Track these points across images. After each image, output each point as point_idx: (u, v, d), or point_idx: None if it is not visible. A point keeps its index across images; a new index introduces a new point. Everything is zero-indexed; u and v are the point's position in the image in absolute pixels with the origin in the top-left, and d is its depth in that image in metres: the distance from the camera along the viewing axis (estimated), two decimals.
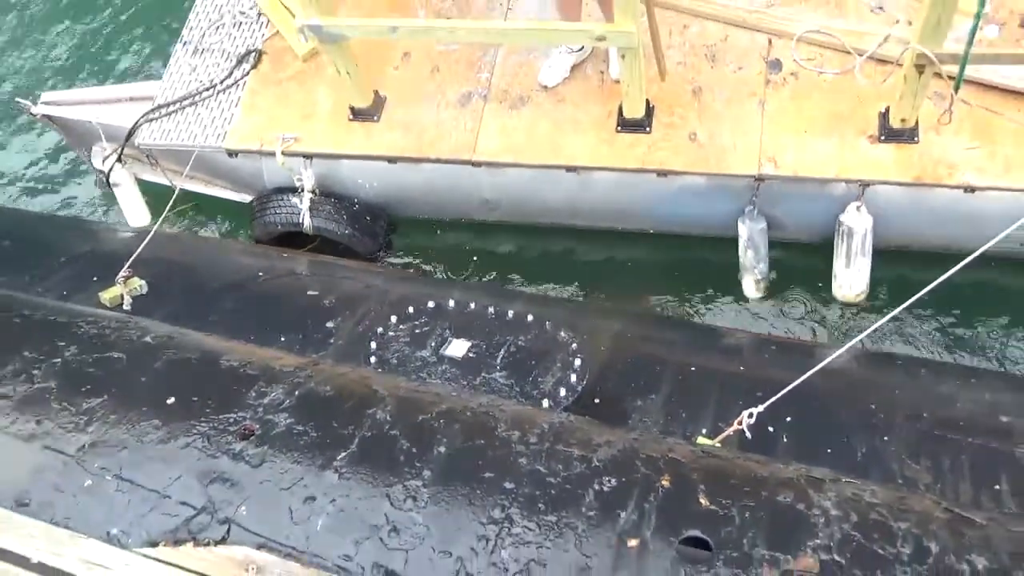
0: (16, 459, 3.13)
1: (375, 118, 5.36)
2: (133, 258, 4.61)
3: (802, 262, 5.17)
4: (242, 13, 5.97)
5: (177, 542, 2.90)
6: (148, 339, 3.61)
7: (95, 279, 4.66)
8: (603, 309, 5.28)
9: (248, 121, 5.51)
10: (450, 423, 3.09)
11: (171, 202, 5.35)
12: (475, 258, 5.73)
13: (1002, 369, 4.81)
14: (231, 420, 3.14)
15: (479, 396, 3.48)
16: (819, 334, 5.08)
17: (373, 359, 4.13)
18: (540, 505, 2.77)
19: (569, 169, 5.06)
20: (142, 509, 2.96)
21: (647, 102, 4.96)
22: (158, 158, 5.73)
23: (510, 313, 4.28)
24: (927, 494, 3.21)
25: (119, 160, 5.71)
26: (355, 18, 5.46)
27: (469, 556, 2.69)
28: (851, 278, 4.85)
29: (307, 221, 5.37)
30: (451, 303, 4.38)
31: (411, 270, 5.71)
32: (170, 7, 7.26)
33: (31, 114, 5.89)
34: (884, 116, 4.76)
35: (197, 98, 5.65)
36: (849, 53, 4.87)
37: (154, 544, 2.90)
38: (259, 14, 5.93)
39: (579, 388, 3.92)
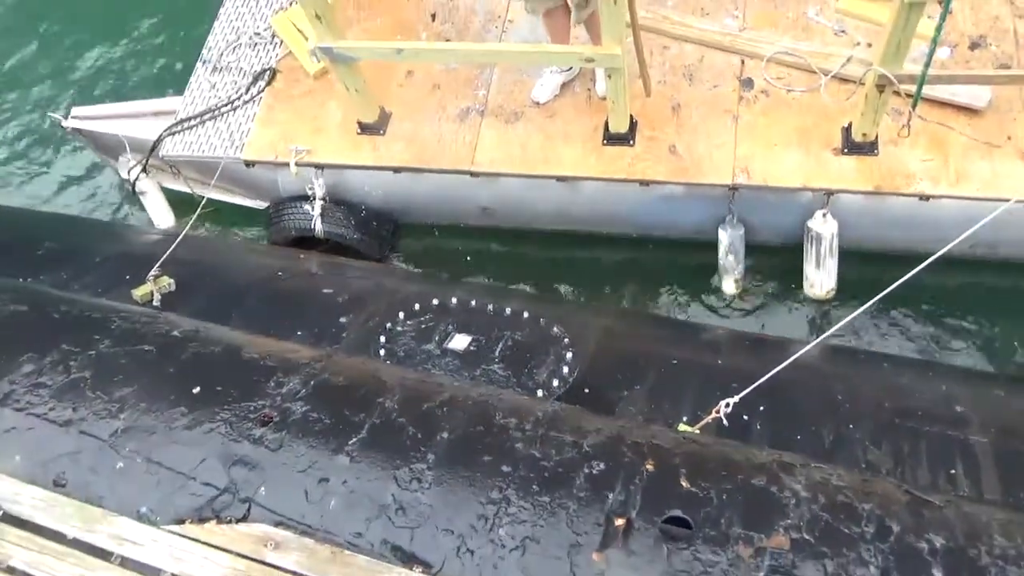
0: (54, 443, 3.10)
1: (381, 132, 5.36)
2: (163, 259, 4.58)
3: (775, 264, 5.17)
4: (257, 34, 5.97)
5: (202, 520, 2.88)
6: (176, 333, 3.58)
7: (127, 277, 4.63)
8: (592, 307, 5.28)
9: (264, 134, 5.50)
10: (452, 411, 3.08)
11: (198, 209, 5.34)
12: (473, 260, 5.73)
13: (956, 363, 4.81)
14: (251, 408, 3.12)
15: (479, 386, 3.48)
16: (791, 330, 5.07)
17: (382, 352, 4.12)
18: (535, 487, 2.76)
19: (559, 179, 5.07)
20: (169, 489, 2.95)
21: (631, 117, 4.98)
22: (180, 168, 5.71)
23: (507, 310, 4.27)
24: (889, 478, 3.20)
25: (144, 170, 5.70)
26: (363, 41, 5.47)
27: (469, 533, 2.68)
28: (820, 278, 4.87)
29: (319, 226, 5.36)
30: (453, 301, 4.36)
31: (416, 271, 5.69)
32: (189, 27, 7.23)
33: (63, 127, 5.88)
34: (847, 131, 4.79)
35: (216, 113, 5.64)
36: (815, 73, 4.93)
37: (181, 522, 2.89)
38: (273, 35, 5.93)
39: (570, 379, 3.91)
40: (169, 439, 3.05)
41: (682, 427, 3.41)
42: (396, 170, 5.28)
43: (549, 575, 2.57)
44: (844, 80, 4.82)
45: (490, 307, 4.30)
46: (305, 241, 5.52)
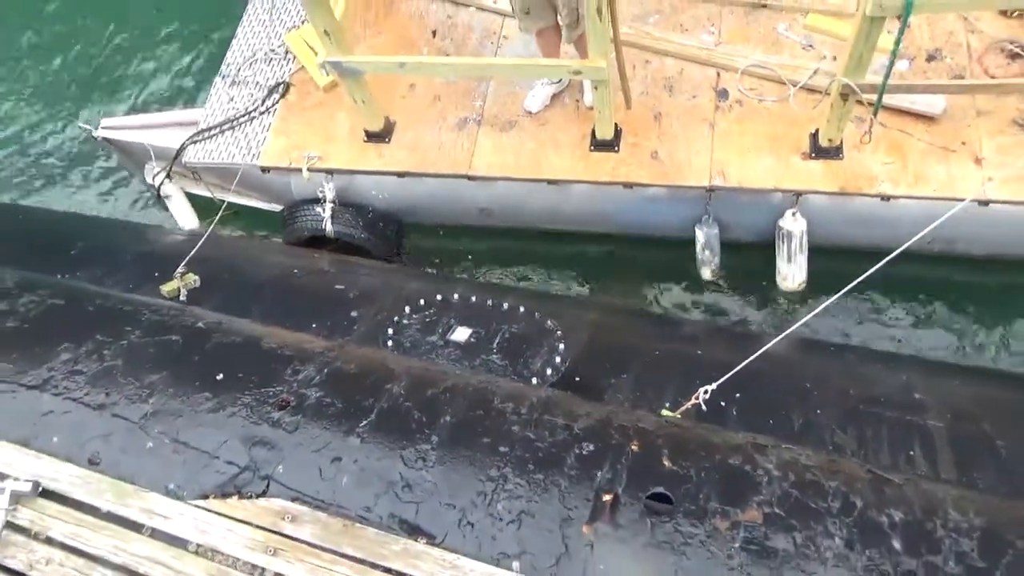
0: (89, 425, 3.12)
1: (386, 140, 5.36)
2: (189, 257, 4.59)
3: (750, 260, 5.18)
4: (272, 51, 5.96)
5: (225, 495, 2.90)
6: (200, 325, 3.60)
7: (155, 275, 4.63)
8: (583, 302, 5.29)
9: (278, 142, 5.49)
10: (454, 397, 3.09)
11: (220, 212, 5.35)
12: (472, 257, 5.72)
13: (915, 353, 4.83)
14: (270, 393, 3.14)
15: (479, 374, 3.49)
16: (765, 320, 5.10)
17: (390, 343, 4.12)
18: (530, 466, 2.78)
19: (550, 182, 5.06)
20: (195, 467, 2.97)
21: (616, 126, 4.99)
22: (202, 174, 5.71)
23: (505, 305, 4.27)
24: (853, 459, 3.22)
25: (168, 176, 5.71)
26: (369, 55, 5.47)
27: (470, 508, 2.71)
28: (792, 271, 4.88)
29: (329, 227, 5.35)
30: (455, 296, 4.37)
31: (421, 268, 5.70)
32: (208, 44, 7.26)
33: (94, 137, 5.88)
34: (814, 137, 4.80)
35: (235, 123, 5.65)
36: (785, 84, 4.96)
37: (205, 497, 2.91)
38: (287, 52, 5.92)
39: (563, 369, 3.91)
40: (195, 421, 3.07)
41: (665, 412, 3.41)
42: (400, 175, 5.28)
43: (542, 546, 2.59)
44: (811, 90, 4.86)
45: (489, 302, 4.30)
46: (316, 241, 5.52)
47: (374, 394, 3.10)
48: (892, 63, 3.98)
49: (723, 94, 5.12)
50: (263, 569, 2.73)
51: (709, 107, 5.09)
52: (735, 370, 3.36)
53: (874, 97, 4.23)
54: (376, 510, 2.76)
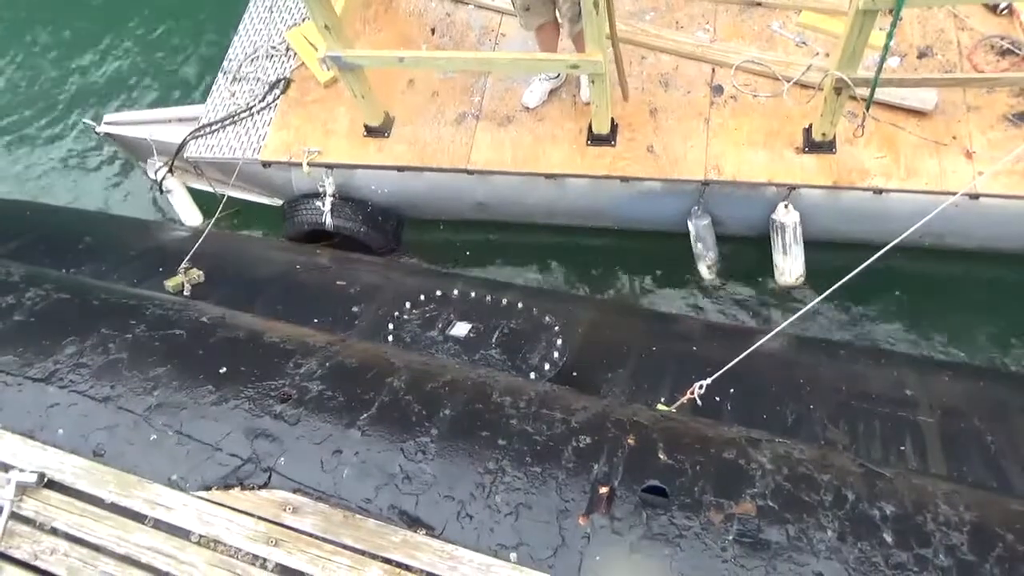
0: (94, 417, 3.11)
1: (386, 134, 5.37)
2: (192, 252, 4.60)
3: (749, 257, 5.20)
4: (273, 47, 5.97)
5: (227, 487, 2.90)
6: (204, 319, 3.60)
7: (160, 269, 4.64)
8: (581, 298, 5.30)
9: (279, 137, 5.50)
10: (454, 391, 3.10)
11: (221, 206, 5.35)
12: (470, 250, 5.74)
13: (907, 350, 4.85)
14: (272, 386, 3.14)
15: (478, 369, 3.49)
16: (762, 317, 5.12)
17: (391, 338, 4.13)
18: (528, 459, 2.78)
19: (548, 176, 5.09)
20: (198, 459, 2.96)
21: (612, 120, 5.01)
22: (204, 169, 5.72)
23: (504, 301, 4.28)
24: (845, 453, 3.23)
25: (170, 171, 5.71)
26: (369, 50, 5.48)
27: (469, 500, 2.71)
28: (788, 265, 4.91)
29: (329, 221, 5.36)
30: (455, 292, 4.38)
31: (420, 263, 5.71)
32: (210, 41, 7.28)
33: (96, 132, 5.88)
34: (807, 131, 4.83)
35: (236, 118, 5.65)
36: (778, 80, 4.98)
37: (208, 488, 2.91)
38: (287, 48, 5.93)
39: (560, 363, 3.92)
40: (198, 414, 3.07)
41: (660, 407, 3.42)
42: (400, 169, 5.29)
43: (540, 537, 2.60)
44: (804, 86, 4.87)
45: (488, 298, 4.31)
46: (316, 234, 5.52)
47: (375, 388, 3.10)
48: (885, 56, 4.00)
49: (718, 90, 5.15)
50: (264, 559, 2.74)
51: (704, 102, 5.12)
52: (729, 365, 3.37)
53: (867, 91, 4.25)
54: (376, 502, 2.77)
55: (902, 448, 3.48)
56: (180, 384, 3.18)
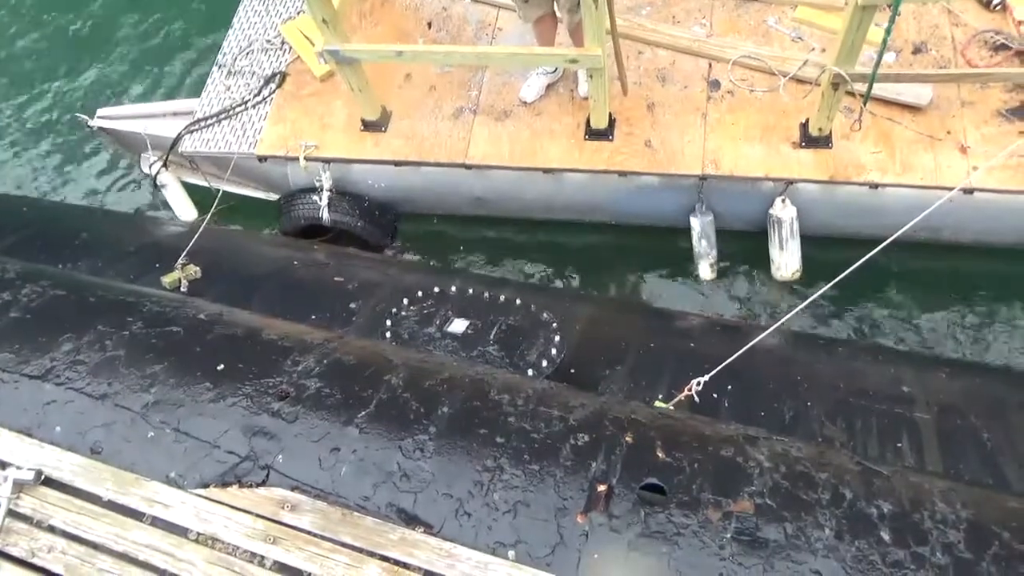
0: (91, 414, 3.10)
1: (383, 129, 5.36)
2: (189, 247, 4.58)
3: (745, 252, 5.21)
4: (268, 41, 5.95)
5: (225, 484, 2.89)
6: (202, 316, 3.58)
7: (156, 265, 4.63)
8: (578, 295, 5.29)
9: (275, 131, 5.48)
10: (452, 388, 3.09)
11: (216, 201, 5.33)
12: (467, 246, 5.73)
13: (904, 347, 4.85)
14: (270, 384, 3.13)
15: (476, 366, 3.48)
16: (759, 313, 5.13)
17: (388, 335, 4.11)
18: (525, 456, 2.78)
19: (545, 171, 5.09)
20: (196, 457, 2.95)
21: (610, 115, 5.01)
22: (199, 163, 5.69)
23: (502, 297, 4.27)
24: (843, 450, 3.23)
25: (164, 166, 5.68)
26: (367, 44, 5.46)
27: (467, 497, 2.70)
28: (785, 259, 4.93)
29: (326, 215, 5.35)
30: (453, 289, 4.36)
31: (418, 259, 5.70)
32: (204, 35, 7.26)
33: (88, 127, 5.84)
34: (804, 126, 4.85)
35: (231, 113, 5.62)
36: (775, 75, 4.98)
37: (206, 486, 2.90)
38: (283, 42, 5.91)
39: (558, 360, 3.91)
40: (195, 411, 3.06)
41: (658, 404, 3.43)
42: (397, 164, 5.28)
43: (538, 535, 2.59)
44: (801, 81, 4.90)
45: (486, 294, 4.30)
46: (312, 229, 5.51)
47: (373, 385, 3.09)
48: (883, 50, 4.01)
49: (715, 84, 5.16)
50: (263, 557, 2.73)
51: (701, 97, 5.12)
52: (727, 361, 3.38)
53: (863, 87, 4.26)
54: (374, 499, 2.76)
55: (899, 445, 3.48)
56: (178, 381, 3.16)
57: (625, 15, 5.39)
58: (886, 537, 2.43)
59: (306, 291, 4.56)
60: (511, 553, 2.58)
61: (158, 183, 5.76)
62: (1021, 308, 4.93)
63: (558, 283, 5.52)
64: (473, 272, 5.50)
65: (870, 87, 4.23)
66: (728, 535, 2.48)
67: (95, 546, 2.86)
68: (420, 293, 4.33)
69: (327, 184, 5.32)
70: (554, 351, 3.96)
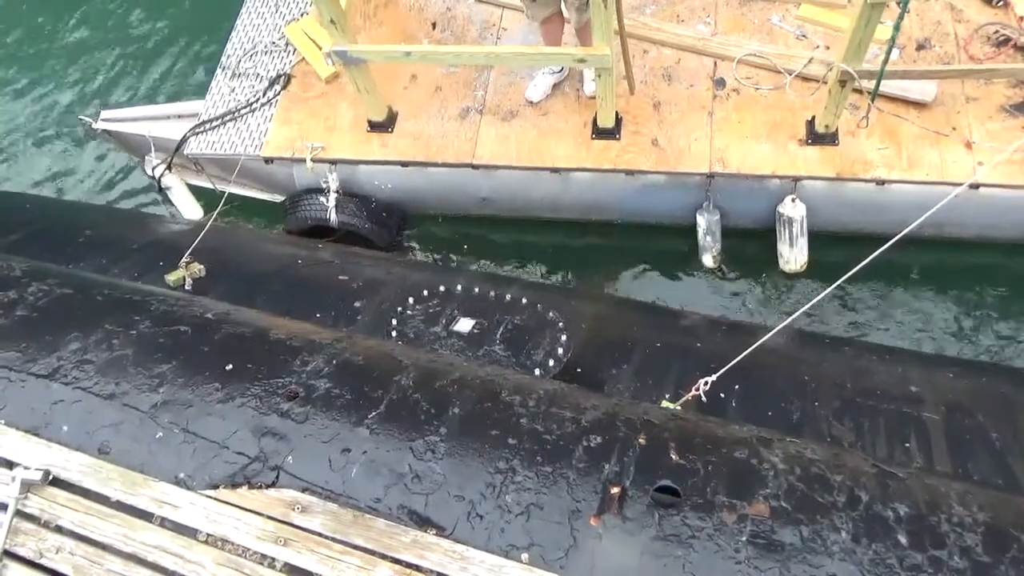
0: (99, 414, 3.06)
1: (389, 130, 5.32)
2: (193, 246, 4.53)
3: (750, 246, 5.20)
4: (273, 43, 5.90)
5: (234, 485, 2.86)
6: (209, 315, 3.54)
7: (160, 264, 4.58)
8: (585, 294, 5.26)
9: (281, 133, 5.44)
10: (462, 389, 3.05)
11: (222, 202, 5.29)
12: (474, 245, 5.70)
13: (912, 346, 4.83)
14: (279, 384, 3.09)
15: (486, 366, 3.44)
16: (766, 308, 5.12)
17: (394, 333, 4.09)
18: (538, 458, 2.74)
19: (552, 170, 5.06)
20: (205, 457, 2.91)
21: (616, 114, 4.98)
22: (204, 165, 5.64)
23: (508, 296, 4.24)
24: (857, 451, 3.20)
25: (168, 168, 5.63)
26: (375, 44, 5.42)
27: (479, 500, 2.67)
28: (794, 254, 4.97)
29: (333, 217, 5.31)
30: (459, 287, 4.33)
31: (424, 259, 5.67)
32: (206, 37, 7.19)
33: (93, 129, 5.79)
34: (811, 123, 4.84)
35: (237, 115, 5.57)
36: (780, 73, 4.95)
37: (215, 487, 2.86)
38: (287, 44, 5.86)
39: (564, 360, 3.89)
40: (204, 411, 3.02)
41: (665, 404, 3.39)
42: (404, 164, 5.24)
43: (551, 538, 2.56)
44: (806, 79, 4.87)
45: (492, 293, 4.27)
46: (318, 229, 5.46)
47: (383, 385, 3.06)
48: (891, 47, 4.00)
49: (720, 83, 5.14)
50: (273, 559, 2.70)
51: (707, 95, 5.11)
52: (734, 361, 3.34)
53: (870, 84, 4.24)
54: (386, 501, 2.72)
55: (907, 445, 3.45)
56: (186, 381, 3.12)
57: (630, 14, 5.35)
58: (903, 540, 2.39)
59: (311, 289, 4.52)
60: (524, 556, 2.55)
61: (162, 185, 5.71)
62: None
63: (564, 282, 5.49)
64: (478, 270, 5.46)
65: (878, 84, 4.22)
66: (743, 538, 2.45)
67: (103, 547, 2.82)
68: (426, 292, 4.30)
69: (334, 185, 5.28)
70: (560, 350, 3.93)
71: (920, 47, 5.09)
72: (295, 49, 5.80)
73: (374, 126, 5.32)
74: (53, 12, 7.76)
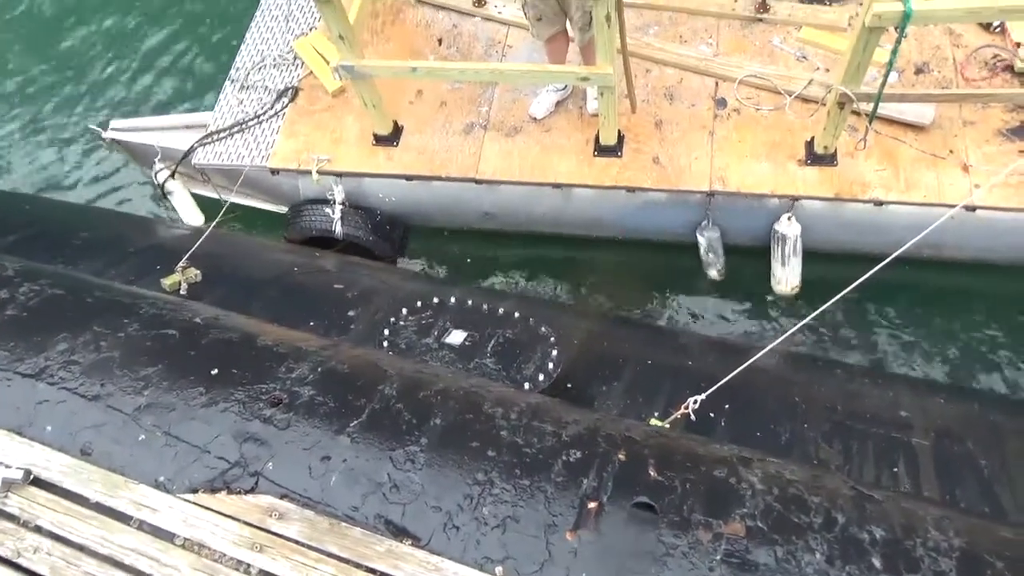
0: (82, 415, 3.06)
1: (394, 143, 5.33)
2: (191, 251, 4.54)
3: (748, 265, 5.17)
4: (281, 56, 5.93)
5: (214, 490, 2.85)
6: (198, 320, 3.54)
7: (157, 267, 4.59)
8: (577, 310, 5.25)
9: (288, 145, 5.46)
10: (445, 400, 3.04)
11: (223, 210, 5.30)
12: (477, 259, 5.70)
13: (902, 371, 4.79)
14: (263, 390, 3.08)
15: (470, 378, 3.43)
16: (759, 329, 5.09)
17: (385, 344, 4.08)
18: (517, 471, 2.73)
19: (555, 186, 5.06)
20: (185, 461, 2.91)
21: (619, 132, 4.98)
22: (210, 176, 5.67)
23: (500, 310, 4.23)
24: (837, 474, 3.17)
25: (172, 176, 5.67)
26: (381, 60, 5.44)
27: (456, 511, 2.66)
28: (786, 275, 4.92)
29: (338, 229, 5.32)
30: (452, 300, 4.32)
31: (420, 270, 5.66)
32: (215, 51, 7.23)
33: (102, 139, 5.83)
34: (810, 144, 4.83)
35: (244, 126, 5.60)
36: (780, 93, 4.95)
37: (194, 491, 2.86)
38: (295, 57, 5.89)
39: (554, 374, 3.87)
40: (187, 416, 3.01)
41: (654, 422, 3.37)
42: (408, 178, 5.25)
43: (527, 551, 2.54)
44: (806, 100, 4.87)
45: (485, 306, 4.26)
46: (317, 241, 5.48)
47: (366, 394, 3.05)
48: (889, 71, 4.00)
49: (721, 103, 5.14)
50: (248, 565, 2.68)
51: (708, 115, 5.11)
52: (724, 380, 3.32)
53: (868, 106, 4.23)
54: (363, 510, 2.71)
55: (895, 470, 3.42)
56: (171, 385, 3.12)
57: (633, 34, 5.37)
58: (877, 563, 2.36)
59: (306, 297, 4.52)
60: (499, 569, 2.53)
61: (165, 190, 5.73)
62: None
63: (560, 297, 5.48)
64: (473, 284, 5.45)
65: (876, 106, 4.22)
66: (718, 557, 2.42)
67: (81, 548, 2.82)
68: (419, 303, 4.29)
69: (339, 197, 5.29)
70: (551, 365, 3.91)
71: (919, 71, 5.10)
72: (303, 63, 5.84)
73: (379, 140, 5.34)
74: (66, 22, 7.82)
